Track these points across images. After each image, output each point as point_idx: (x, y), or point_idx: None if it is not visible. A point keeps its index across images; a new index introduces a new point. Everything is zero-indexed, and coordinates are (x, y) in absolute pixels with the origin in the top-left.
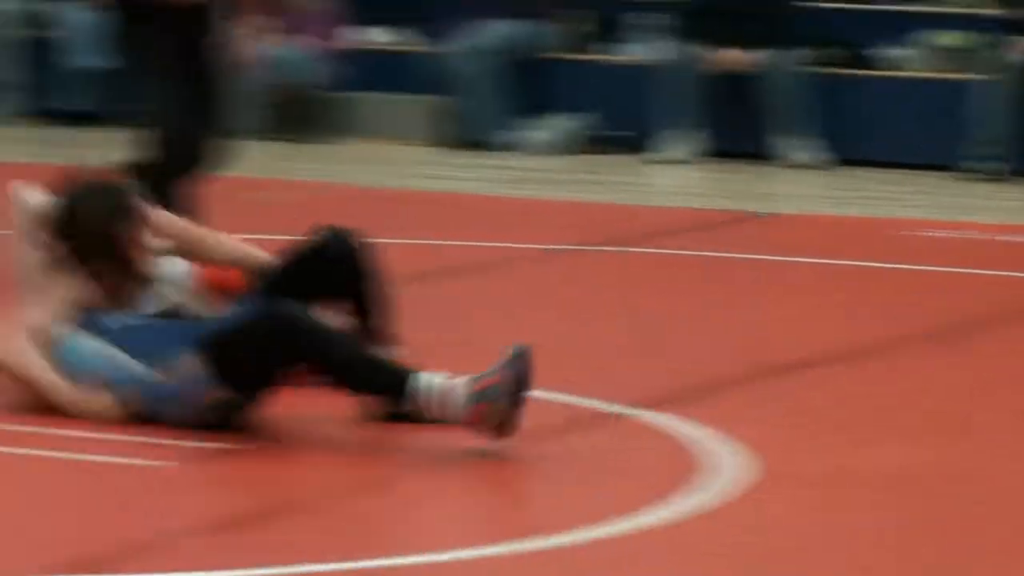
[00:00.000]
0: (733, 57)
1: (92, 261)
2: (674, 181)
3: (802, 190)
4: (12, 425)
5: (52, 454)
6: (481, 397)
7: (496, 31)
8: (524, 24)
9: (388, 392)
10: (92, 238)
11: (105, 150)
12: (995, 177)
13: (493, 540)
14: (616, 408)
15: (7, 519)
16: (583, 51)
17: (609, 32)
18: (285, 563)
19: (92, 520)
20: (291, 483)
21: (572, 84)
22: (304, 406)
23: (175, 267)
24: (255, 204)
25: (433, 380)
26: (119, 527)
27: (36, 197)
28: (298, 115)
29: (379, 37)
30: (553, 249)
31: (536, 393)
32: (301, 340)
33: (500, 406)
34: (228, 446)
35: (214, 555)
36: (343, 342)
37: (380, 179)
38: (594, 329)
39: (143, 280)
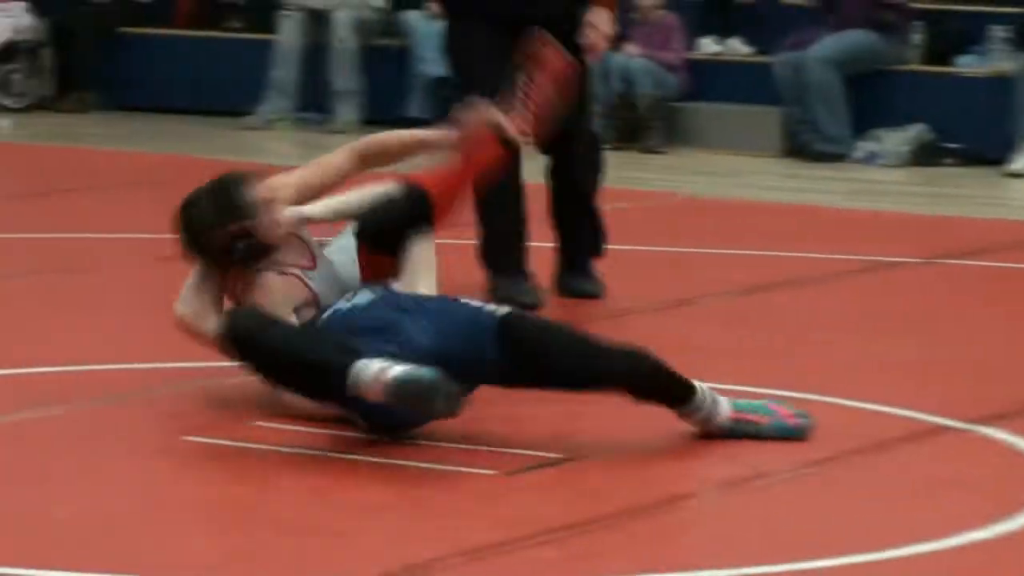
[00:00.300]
0: None
1: (224, 261)
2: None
3: None
4: (333, 430)
5: (375, 460)
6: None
7: (842, 41)
8: (870, 35)
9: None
10: (208, 240)
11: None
12: None
13: (822, 554)
14: (953, 423)
15: (337, 525)
16: (927, 62)
17: (958, 43)
18: (614, 573)
19: (422, 526)
20: (612, 493)
21: (916, 95)
22: (611, 418)
23: (348, 240)
24: (605, 214)
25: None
26: (450, 533)
27: None
28: (641, 125)
29: (717, 47)
30: (897, 262)
31: (874, 406)
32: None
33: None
34: (550, 455)
35: (547, 565)
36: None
37: (721, 190)
38: (931, 342)
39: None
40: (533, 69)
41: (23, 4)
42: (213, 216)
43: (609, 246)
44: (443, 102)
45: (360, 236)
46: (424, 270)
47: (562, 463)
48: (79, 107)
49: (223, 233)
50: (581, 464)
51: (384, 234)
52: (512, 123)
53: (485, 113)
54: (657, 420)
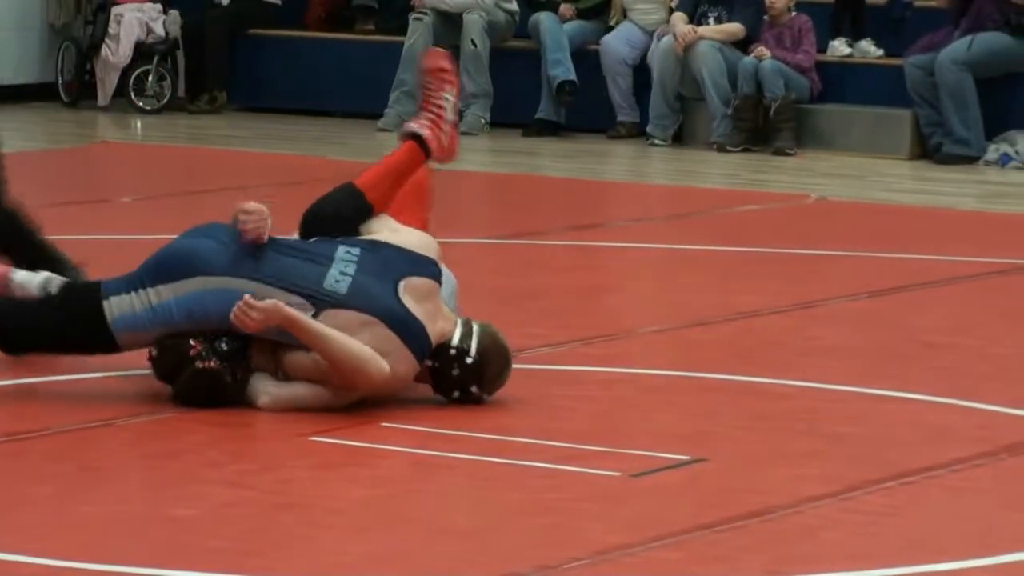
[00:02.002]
0: None
1: None
2: None
3: None
4: (461, 431)
5: (503, 461)
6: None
7: (975, 43)
8: (1003, 37)
9: None
10: None
11: (568, 161)
12: None
13: (958, 555)
14: None
15: (469, 526)
16: None
17: None
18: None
19: (551, 528)
20: (739, 495)
21: None
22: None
23: None
24: (732, 216)
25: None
26: (577, 535)
27: None
28: (771, 127)
29: (848, 49)
30: None
31: (1006, 410)
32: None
33: None
34: (677, 457)
35: (673, 567)
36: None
37: (852, 192)
38: None
39: None
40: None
41: (157, 6)
42: None
43: (738, 248)
44: (571, 106)
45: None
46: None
47: (688, 465)
48: (211, 108)
49: None
50: (707, 466)
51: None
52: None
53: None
54: (784, 421)
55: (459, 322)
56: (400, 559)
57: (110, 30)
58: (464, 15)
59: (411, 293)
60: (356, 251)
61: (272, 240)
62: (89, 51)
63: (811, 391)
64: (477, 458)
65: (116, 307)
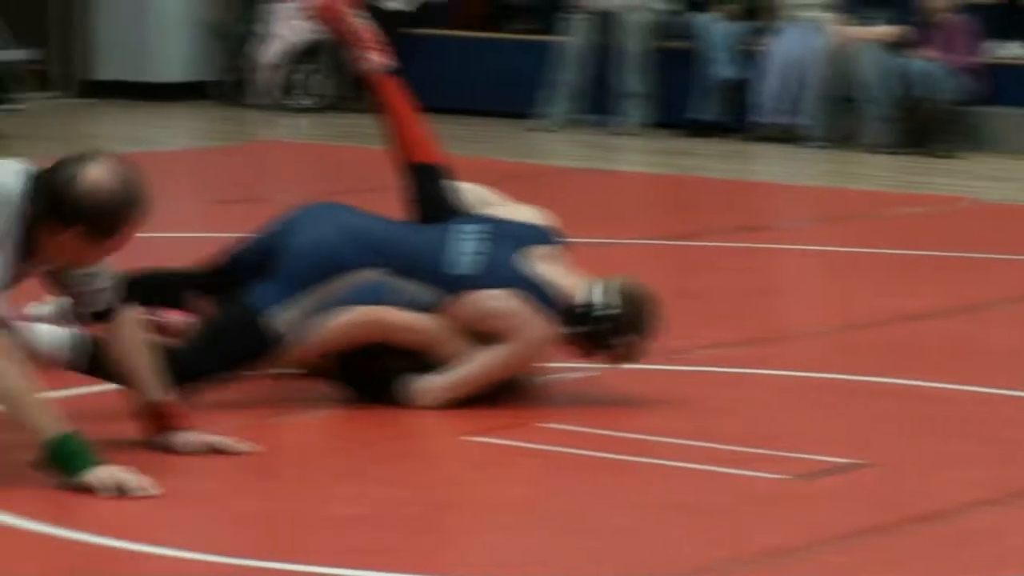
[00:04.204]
0: None
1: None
2: None
3: None
4: (615, 432)
5: (660, 462)
6: None
7: None
8: None
9: None
10: None
11: (726, 162)
12: None
13: None
14: None
15: (626, 526)
16: None
17: None
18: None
19: (710, 529)
20: (905, 499)
21: None
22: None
23: None
24: (891, 219)
25: None
26: (737, 537)
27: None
28: (930, 128)
29: (1021, 51)
30: None
31: None
32: None
33: None
34: (843, 460)
35: (837, 571)
36: None
37: (1014, 195)
38: None
39: None
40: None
41: None
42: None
43: (897, 251)
44: (733, 105)
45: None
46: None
47: (851, 469)
48: (365, 107)
49: None
50: (871, 470)
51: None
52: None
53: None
54: (947, 425)
55: (592, 283)
56: (559, 559)
57: (268, 29)
58: (624, 14)
59: (538, 260)
60: (476, 228)
61: (394, 225)
62: (248, 50)
63: (974, 395)
64: (636, 459)
65: (280, 322)
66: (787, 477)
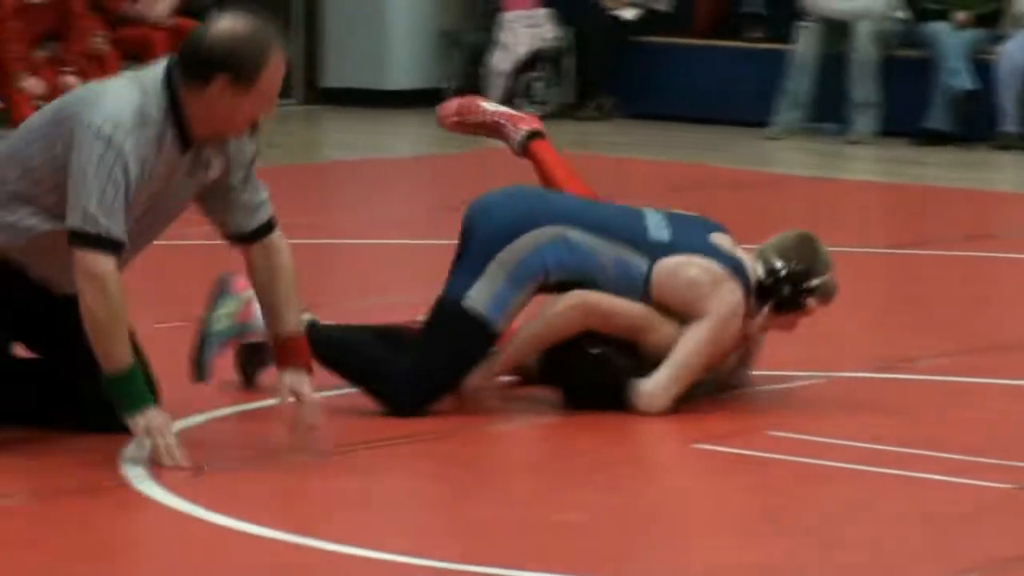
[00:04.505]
0: None
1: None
2: None
3: None
4: (853, 442)
5: (898, 472)
6: None
7: None
8: None
9: None
10: None
11: (957, 171)
12: None
13: None
14: None
15: (861, 536)
16: None
17: None
18: None
19: (939, 539)
20: None
21: None
22: None
23: None
24: None
25: None
26: (968, 547)
27: None
28: None
29: None
30: None
31: None
32: None
33: None
34: None
35: None
36: None
37: None
38: None
39: None
40: None
41: (547, 12)
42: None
43: None
44: (968, 115)
45: None
46: None
47: None
48: (598, 115)
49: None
50: None
51: None
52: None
53: None
54: None
55: (758, 255)
56: (785, 569)
57: (499, 36)
58: (854, 23)
59: (721, 242)
60: (662, 213)
61: (585, 201)
62: (479, 57)
63: None
64: (864, 468)
65: (479, 303)
66: (1016, 487)
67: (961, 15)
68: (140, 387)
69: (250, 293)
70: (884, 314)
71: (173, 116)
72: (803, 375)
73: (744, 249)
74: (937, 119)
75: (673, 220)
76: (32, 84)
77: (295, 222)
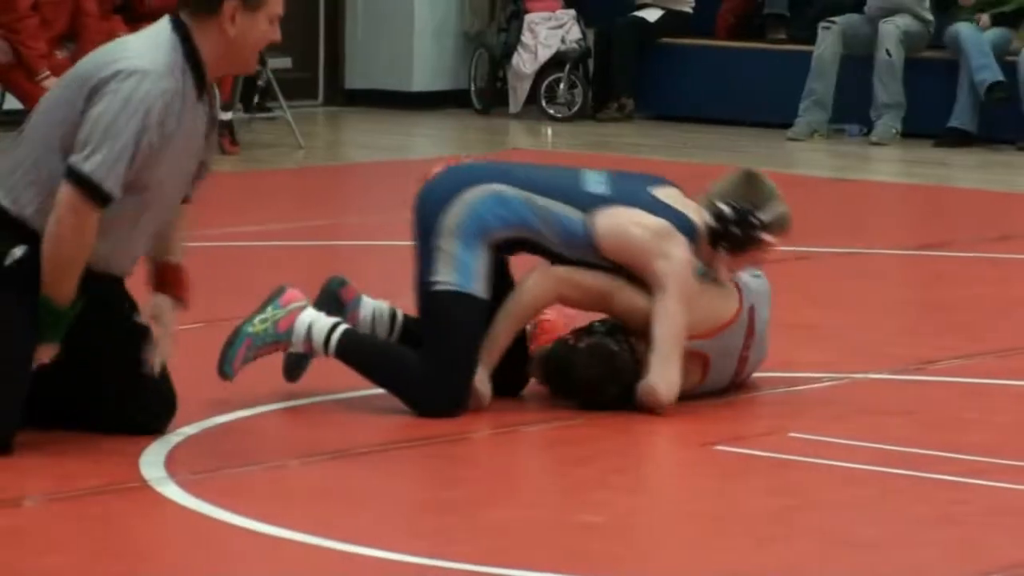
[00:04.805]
0: None
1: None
2: None
3: None
4: (869, 443)
5: (908, 473)
6: None
7: None
8: None
9: None
10: None
11: (982, 172)
12: None
13: None
14: None
15: (883, 538)
16: None
17: None
18: None
19: (968, 541)
20: None
21: None
22: None
23: None
24: None
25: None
26: (990, 549)
27: None
28: None
29: None
30: None
31: None
32: None
33: None
34: None
35: None
36: None
37: None
38: None
39: None
40: None
41: (570, 13)
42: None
43: None
44: (993, 115)
45: None
46: None
47: None
48: (619, 116)
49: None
50: None
51: None
52: None
53: None
54: None
55: (702, 201)
56: (803, 571)
57: (523, 38)
58: (879, 24)
59: (664, 195)
60: (605, 172)
61: (520, 163)
62: (502, 59)
63: None
64: (882, 469)
65: (446, 278)
66: None
67: (979, 15)
68: (65, 326)
69: (296, 305)
70: (906, 316)
71: (186, 57)
72: (823, 376)
73: (694, 199)
74: (962, 119)
75: (614, 177)
76: (53, 84)
77: (318, 224)
